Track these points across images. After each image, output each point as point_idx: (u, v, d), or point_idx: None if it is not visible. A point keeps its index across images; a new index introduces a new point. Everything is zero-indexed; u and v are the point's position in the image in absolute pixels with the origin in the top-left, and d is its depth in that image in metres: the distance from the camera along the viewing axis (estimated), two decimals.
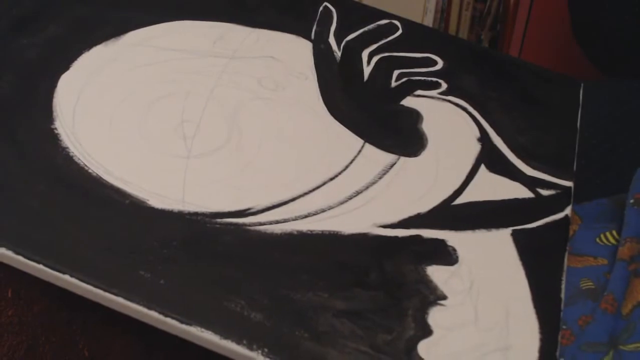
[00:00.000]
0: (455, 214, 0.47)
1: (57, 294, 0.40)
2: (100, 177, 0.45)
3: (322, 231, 0.44)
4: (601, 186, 0.53)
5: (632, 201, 0.49)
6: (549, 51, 0.96)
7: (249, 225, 0.44)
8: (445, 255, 0.44)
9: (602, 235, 0.49)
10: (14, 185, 0.44)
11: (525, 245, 0.46)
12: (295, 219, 0.45)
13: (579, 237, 0.49)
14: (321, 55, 0.56)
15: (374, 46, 0.57)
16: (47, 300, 0.45)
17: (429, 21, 1.00)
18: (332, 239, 0.44)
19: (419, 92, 0.55)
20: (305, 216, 0.45)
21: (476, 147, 0.52)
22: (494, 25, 1.03)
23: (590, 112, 0.58)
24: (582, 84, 0.60)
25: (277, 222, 0.44)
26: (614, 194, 0.52)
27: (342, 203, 0.46)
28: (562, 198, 0.50)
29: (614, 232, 0.49)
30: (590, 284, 0.46)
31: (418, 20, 0.96)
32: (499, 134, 0.53)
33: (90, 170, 0.45)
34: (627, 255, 0.46)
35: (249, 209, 0.45)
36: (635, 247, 0.46)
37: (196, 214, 0.44)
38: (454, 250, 0.45)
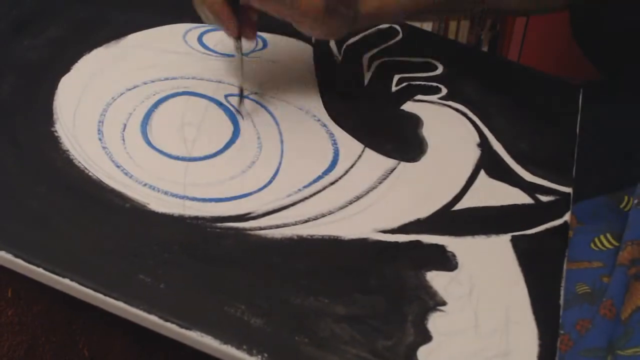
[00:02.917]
0: (455, 219, 0.47)
1: (58, 294, 0.40)
2: (101, 181, 0.45)
3: (322, 236, 0.44)
4: (599, 186, 0.53)
5: (636, 201, 0.48)
6: (549, 51, 0.96)
7: (249, 230, 0.44)
8: (445, 261, 0.45)
9: (596, 240, 0.49)
10: (14, 188, 0.43)
11: (525, 251, 0.46)
12: (296, 223, 0.45)
13: (573, 244, 0.49)
14: (322, 60, 0.56)
15: (375, 50, 0.57)
16: (47, 300, 0.45)
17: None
18: (332, 244, 0.44)
19: (419, 96, 0.55)
20: (306, 221, 0.45)
21: (476, 153, 0.52)
22: (494, 25, 1.03)
23: (589, 111, 0.58)
24: (581, 89, 0.60)
25: (278, 226, 0.44)
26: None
27: (342, 208, 0.46)
28: (561, 204, 0.50)
29: (609, 235, 0.49)
30: (586, 288, 0.46)
31: None
32: (498, 139, 0.53)
33: (90, 174, 0.45)
34: (628, 260, 0.46)
35: (249, 213, 0.45)
36: (637, 250, 0.46)
37: (196, 218, 0.44)
38: (454, 255, 0.45)
